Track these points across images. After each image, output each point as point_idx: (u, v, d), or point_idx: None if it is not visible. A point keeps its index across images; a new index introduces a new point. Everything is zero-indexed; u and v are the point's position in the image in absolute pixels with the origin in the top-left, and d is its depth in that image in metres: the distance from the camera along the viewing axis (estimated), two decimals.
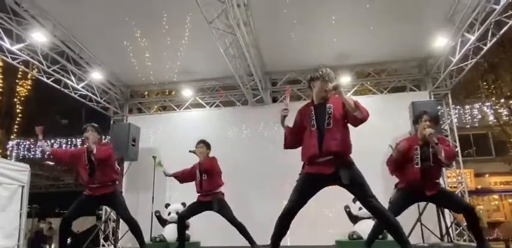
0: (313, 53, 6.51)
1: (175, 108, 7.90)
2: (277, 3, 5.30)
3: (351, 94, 6.97)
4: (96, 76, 6.85)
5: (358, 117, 2.65)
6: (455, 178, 6.82)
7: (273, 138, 6.78)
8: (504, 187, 14.16)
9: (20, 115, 15.33)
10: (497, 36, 5.23)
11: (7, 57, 5.70)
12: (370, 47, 6.43)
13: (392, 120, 6.38)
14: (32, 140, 17.99)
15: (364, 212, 4.94)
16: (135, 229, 4.21)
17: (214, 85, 7.75)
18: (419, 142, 3.69)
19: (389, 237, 5.29)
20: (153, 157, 6.24)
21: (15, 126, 15.56)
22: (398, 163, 3.70)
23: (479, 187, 13.89)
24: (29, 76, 14.80)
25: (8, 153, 17.31)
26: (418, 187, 3.64)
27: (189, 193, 4.95)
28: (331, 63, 6.40)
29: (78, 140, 17.31)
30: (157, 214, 6.23)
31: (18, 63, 5.92)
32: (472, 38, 5.28)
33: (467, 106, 13.77)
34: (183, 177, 4.94)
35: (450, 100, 6.95)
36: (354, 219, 5.65)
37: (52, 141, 17.81)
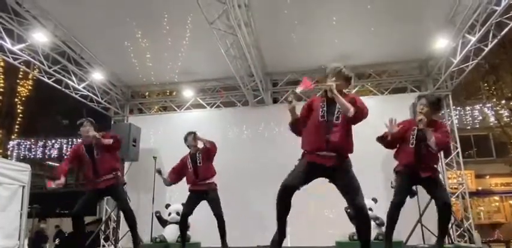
0: (314, 53, 6.51)
1: (176, 109, 7.90)
2: (278, 4, 5.30)
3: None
4: (97, 76, 6.86)
5: (349, 116, 2.73)
6: (456, 179, 6.82)
7: (273, 138, 6.78)
8: (505, 189, 14.16)
9: (20, 115, 15.32)
10: (498, 37, 5.23)
11: (8, 57, 5.71)
12: (371, 48, 6.43)
13: None
14: (32, 140, 18.04)
15: None
16: (131, 220, 4.24)
17: (215, 85, 7.75)
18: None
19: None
20: (153, 157, 6.25)
21: (16, 126, 15.55)
22: (391, 142, 3.74)
23: (479, 188, 13.89)
24: (30, 76, 14.78)
25: (9, 153, 17.32)
26: (412, 168, 3.68)
27: None
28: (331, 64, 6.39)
29: (78, 140, 17.32)
30: (158, 214, 6.22)
31: (20, 63, 5.93)
32: (473, 39, 5.28)
33: (468, 108, 13.78)
34: (177, 174, 4.93)
35: (451, 102, 6.95)
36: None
37: (53, 141, 17.86)
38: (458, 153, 6.74)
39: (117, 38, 6.11)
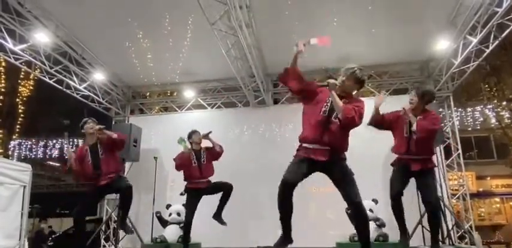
0: (315, 54, 6.49)
1: (177, 109, 7.91)
2: (279, 5, 5.31)
3: None
4: (98, 77, 6.88)
5: (339, 118, 2.77)
6: (457, 180, 6.81)
7: (274, 139, 6.78)
8: (506, 190, 14.12)
9: (22, 115, 15.34)
10: (500, 38, 5.24)
11: (10, 58, 5.73)
12: (372, 49, 6.42)
13: None
14: (33, 140, 18.05)
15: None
16: (127, 198, 4.23)
17: (215, 86, 7.76)
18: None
19: (391, 239, 5.30)
20: (154, 158, 6.25)
21: (17, 126, 15.58)
22: (380, 119, 3.97)
23: (480, 190, 13.85)
24: (31, 76, 14.81)
25: (10, 153, 17.34)
26: (404, 161, 3.74)
27: None
28: (332, 65, 6.38)
29: (79, 141, 17.33)
30: (158, 214, 6.23)
31: (21, 63, 5.95)
32: (474, 40, 5.28)
33: (469, 109, 13.75)
34: (182, 161, 4.88)
35: (452, 103, 6.95)
36: None
37: (54, 141, 17.87)
38: (459, 154, 6.74)
39: (118, 39, 6.12)
